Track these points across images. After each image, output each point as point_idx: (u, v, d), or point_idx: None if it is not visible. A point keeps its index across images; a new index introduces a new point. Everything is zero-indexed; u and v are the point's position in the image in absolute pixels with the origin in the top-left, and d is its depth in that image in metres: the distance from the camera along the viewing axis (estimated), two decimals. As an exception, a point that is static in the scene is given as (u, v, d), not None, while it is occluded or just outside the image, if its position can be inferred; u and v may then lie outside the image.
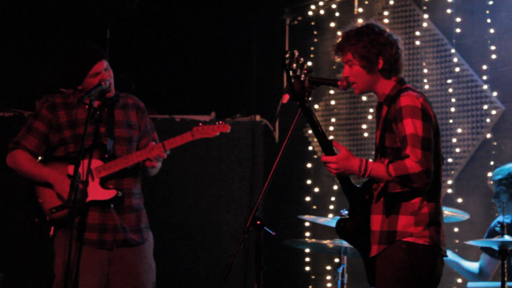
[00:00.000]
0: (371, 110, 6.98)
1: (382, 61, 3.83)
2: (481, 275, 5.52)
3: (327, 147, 3.74)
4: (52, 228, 4.55)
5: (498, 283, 4.97)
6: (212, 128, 4.53)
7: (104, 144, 4.50)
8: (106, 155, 4.48)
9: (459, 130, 6.47)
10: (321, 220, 5.55)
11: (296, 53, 3.69)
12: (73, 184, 4.11)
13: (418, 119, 3.66)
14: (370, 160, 3.77)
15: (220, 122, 4.55)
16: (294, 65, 3.68)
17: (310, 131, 7.29)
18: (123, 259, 4.51)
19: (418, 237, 3.68)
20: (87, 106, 4.40)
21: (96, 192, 4.44)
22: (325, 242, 5.37)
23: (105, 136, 4.53)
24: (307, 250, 7.02)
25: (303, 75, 3.71)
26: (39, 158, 4.64)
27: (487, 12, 6.41)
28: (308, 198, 7.14)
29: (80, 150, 4.19)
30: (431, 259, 3.70)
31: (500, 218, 5.28)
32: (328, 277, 6.96)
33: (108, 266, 4.50)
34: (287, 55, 3.67)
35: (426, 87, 6.68)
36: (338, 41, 3.96)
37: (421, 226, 3.68)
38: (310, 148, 7.28)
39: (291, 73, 3.69)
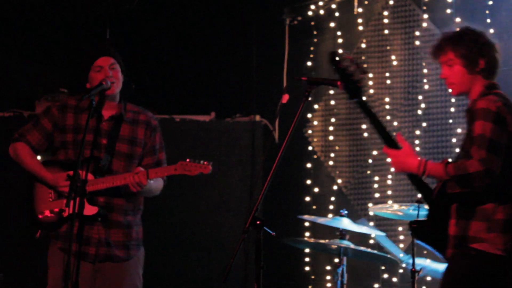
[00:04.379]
0: (371, 110, 6.98)
1: (483, 61, 3.82)
2: None
3: (389, 140, 3.71)
4: (39, 231, 4.56)
5: None
6: (194, 166, 4.45)
7: (99, 158, 4.49)
8: (99, 171, 4.49)
9: (459, 130, 6.47)
10: (320, 220, 5.54)
11: (346, 52, 3.69)
12: (72, 185, 4.09)
13: (489, 121, 3.60)
14: (430, 160, 3.71)
15: (205, 162, 4.47)
16: (346, 64, 3.67)
17: (310, 131, 7.29)
18: (106, 274, 4.51)
19: (490, 244, 3.57)
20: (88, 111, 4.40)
21: (80, 205, 4.32)
22: (324, 242, 5.36)
23: (104, 149, 4.53)
24: (307, 250, 7.02)
25: (357, 74, 3.70)
26: (39, 157, 4.66)
27: (487, 12, 6.41)
28: (308, 198, 7.14)
29: (79, 155, 4.14)
30: (501, 270, 3.56)
31: None
32: (328, 277, 6.96)
33: (93, 280, 4.49)
34: (338, 56, 3.66)
35: (426, 87, 6.68)
36: (437, 42, 3.93)
37: (494, 233, 3.58)
38: (310, 148, 7.27)
39: (343, 72, 3.67)
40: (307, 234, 7.04)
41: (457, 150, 6.45)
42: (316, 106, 7.28)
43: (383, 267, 6.68)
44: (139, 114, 4.70)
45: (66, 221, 4.44)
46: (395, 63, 6.89)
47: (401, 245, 6.65)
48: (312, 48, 7.34)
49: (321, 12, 7.32)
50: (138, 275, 4.63)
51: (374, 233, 5.41)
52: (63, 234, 4.48)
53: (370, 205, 6.82)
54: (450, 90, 3.97)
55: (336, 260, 5.45)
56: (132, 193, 4.53)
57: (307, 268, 7.09)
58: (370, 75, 7.02)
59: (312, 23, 7.37)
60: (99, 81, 4.44)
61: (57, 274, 4.40)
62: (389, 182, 6.79)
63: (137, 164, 4.62)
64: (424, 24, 6.76)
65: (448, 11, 6.60)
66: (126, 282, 4.55)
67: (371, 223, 6.79)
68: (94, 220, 4.47)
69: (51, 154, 4.71)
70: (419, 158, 3.69)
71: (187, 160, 4.46)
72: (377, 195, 6.84)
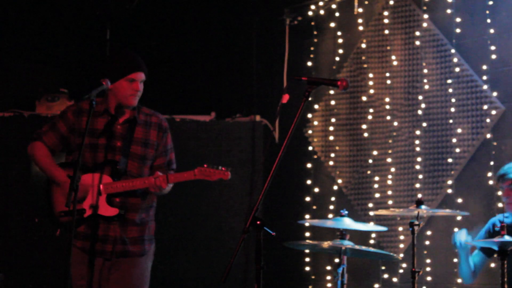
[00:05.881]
0: (371, 110, 6.98)
1: None
2: (474, 274, 5.50)
3: None
4: (58, 230, 4.69)
5: None
6: (213, 172, 4.65)
7: (116, 161, 4.67)
8: (117, 173, 4.67)
9: (459, 130, 6.47)
10: (320, 222, 5.52)
11: None
12: (72, 185, 4.16)
13: None
14: None
15: (223, 168, 4.65)
16: None
17: (310, 131, 7.29)
18: (120, 268, 4.70)
19: None
20: (106, 117, 4.68)
21: (100, 207, 4.61)
22: (325, 247, 5.35)
23: (119, 152, 4.70)
24: (307, 250, 7.02)
25: None
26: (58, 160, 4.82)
27: (487, 12, 6.41)
28: (308, 198, 7.14)
29: (78, 156, 4.27)
30: None
31: (496, 219, 5.29)
32: (328, 277, 6.96)
33: (108, 274, 4.67)
34: None
35: (426, 87, 6.68)
36: None
37: None
38: (310, 148, 7.28)
39: None
40: (307, 234, 7.04)
41: (458, 150, 6.46)
42: (316, 106, 7.28)
43: (383, 267, 6.68)
44: (151, 116, 4.90)
45: (85, 221, 4.63)
46: (395, 63, 6.89)
47: (401, 245, 6.65)
48: (312, 48, 7.34)
49: (321, 12, 7.32)
50: (147, 268, 4.82)
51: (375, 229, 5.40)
52: (82, 233, 4.65)
53: (370, 205, 6.82)
54: None
55: (336, 260, 5.45)
56: (145, 192, 4.74)
57: (307, 268, 7.09)
58: (370, 75, 7.03)
59: (312, 23, 7.37)
60: (124, 90, 4.68)
61: (79, 272, 4.58)
62: (389, 182, 6.79)
63: (149, 165, 4.82)
64: (424, 24, 6.76)
65: (448, 11, 6.59)
66: (138, 275, 4.74)
67: (371, 223, 6.80)
68: (111, 220, 4.65)
69: (66, 154, 4.86)
70: None
71: (205, 165, 4.65)
72: (377, 195, 6.84)
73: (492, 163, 6.25)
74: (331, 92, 7.20)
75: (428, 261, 6.43)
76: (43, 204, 4.78)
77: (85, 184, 4.58)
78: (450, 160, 6.50)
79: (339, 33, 7.23)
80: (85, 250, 4.59)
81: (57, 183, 4.66)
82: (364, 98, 7.04)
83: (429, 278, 6.42)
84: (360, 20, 7.13)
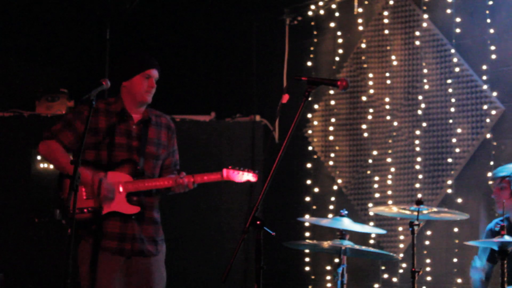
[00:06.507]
0: (371, 110, 6.98)
1: None
2: (487, 281, 5.51)
3: None
4: (69, 230, 4.65)
5: None
6: (242, 174, 4.74)
7: (136, 161, 4.70)
8: (137, 173, 4.70)
9: (459, 130, 6.47)
10: (322, 222, 5.52)
11: None
12: (73, 184, 4.15)
13: None
14: None
15: (250, 170, 4.73)
16: None
17: (310, 131, 7.29)
18: (138, 268, 4.72)
19: None
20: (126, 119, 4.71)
21: (121, 205, 4.64)
22: (325, 247, 5.36)
23: (137, 152, 4.73)
24: (307, 250, 7.02)
25: None
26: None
27: (487, 12, 6.41)
28: (308, 198, 7.15)
29: (79, 154, 4.25)
30: None
31: (498, 219, 5.29)
32: (328, 277, 6.96)
33: (126, 273, 4.70)
34: None
35: (426, 87, 6.68)
36: None
37: None
38: (310, 148, 7.28)
39: None
40: (307, 234, 7.04)
41: (457, 150, 6.46)
42: (316, 106, 7.28)
43: (383, 267, 6.68)
44: (160, 117, 4.95)
45: (103, 219, 4.62)
46: (395, 63, 6.89)
47: (401, 245, 6.65)
48: (312, 48, 7.35)
49: (321, 12, 7.32)
50: (163, 267, 4.87)
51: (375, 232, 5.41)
52: (96, 231, 4.64)
53: (370, 205, 6.82)
54: None
55: (336, 260, 5.45)
56: (158, 191, 4.81)
57: (307, 268, 7.09)
58: (370, 75, 7.03)
59: (312, 23, 7.37)
60: (140, 86, 4.74)
61: (101, 274, 4.61)
62: (389, 182, 6.79)
63: (160, 165, 4.87)
64: (424, 24, 6.76)
65: (448, 11, 6.60)
66: (156, 275, 4.79)
67: (371, 223, 6.80)
68: (129, 218, 4.67)
69: (72, 153, 4.79)
70: None
71: (229, 167, 4.75)
72: (377, 195, 6.84)
73: (492, 163, 6.26)
74: (331, 92, 7.20)
75: (428, 261, 6.43)
76: (55, 200, 4.70)
77: (109, 182, 4.59)
78: (450, 160, 6.50)
79: (339, 33, 7.23)
80: (107, 249, 4.60)
81: (83, 183, 4.59)
82: (364, 98, 7.04)
83: (429, 278, 6.42)
84: (360, 20, 7.14)
